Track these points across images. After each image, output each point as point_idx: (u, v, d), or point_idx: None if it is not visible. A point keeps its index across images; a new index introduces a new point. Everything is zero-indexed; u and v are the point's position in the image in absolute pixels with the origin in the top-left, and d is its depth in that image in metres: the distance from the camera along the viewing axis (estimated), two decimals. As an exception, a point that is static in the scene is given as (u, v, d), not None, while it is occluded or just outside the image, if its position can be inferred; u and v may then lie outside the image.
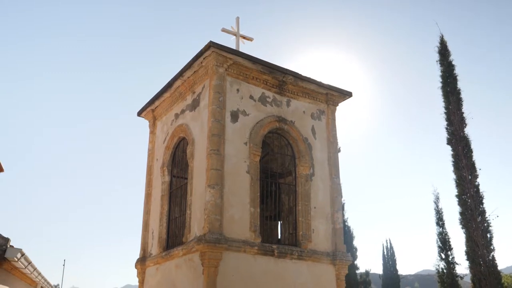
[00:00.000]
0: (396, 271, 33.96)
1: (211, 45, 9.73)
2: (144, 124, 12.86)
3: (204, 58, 10.03)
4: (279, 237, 11.64)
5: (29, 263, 9.77)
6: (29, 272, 10.62)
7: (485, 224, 17.50)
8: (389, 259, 34.75)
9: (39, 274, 11.74)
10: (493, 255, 17.26)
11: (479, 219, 17.60)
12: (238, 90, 10.24)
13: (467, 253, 17.70)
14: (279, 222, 11.77)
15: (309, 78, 11.02)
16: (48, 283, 14.85)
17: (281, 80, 10.75)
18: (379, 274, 35.00)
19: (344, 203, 21.85)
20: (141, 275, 11.20)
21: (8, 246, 8.38)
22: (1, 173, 20.74)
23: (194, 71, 10.49)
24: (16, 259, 8.66)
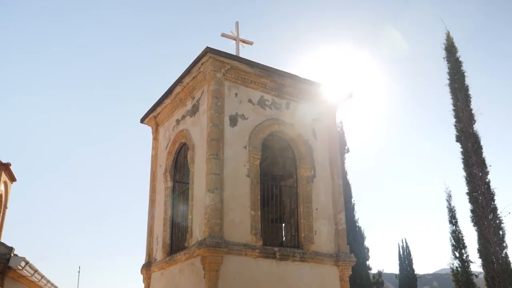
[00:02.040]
0: (413, 270, 33.63)
1: (208, 50, 9.82)
2: (148, 130, 12.99)
3: (201, 64, 10.13)
4: (283, 240, 11.66)
5: (35, 271, 9.93)
6: (37, 280, 10.80)
7: (497, 221, 17.28)
8: (405, 259, 34.45)
9: (48, 281, 11.92)
10: (506, 253, 17.03)
11: (490, 216, 17.38)
12: (236, 94, 10.30)
13: (479, 251, 17.50)
14: (283, 225, 11.78)
15: (307, 80, 11.05)
16: (59, 290, 15.03)
17: (280, 83, 10.78)
18: (396, 274, 34.73)
19: (354, 204, 21.72)
20: (147, 281, 11.30)
21: (12, 255, 8.53)
22: (14, 182, 21.15)
23: (193, 77, 10.59)
24: (21, 268, 8.81)
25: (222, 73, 10.10)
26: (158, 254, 11.11)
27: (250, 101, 10.45)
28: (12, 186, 20.77)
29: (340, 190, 10.96)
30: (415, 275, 33.84)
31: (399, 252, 34.47)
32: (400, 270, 33.87)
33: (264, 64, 10.54)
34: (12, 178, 20.35)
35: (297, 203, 10.48)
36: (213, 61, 9.94)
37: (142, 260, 11.66)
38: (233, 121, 10.05)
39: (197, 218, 9.65)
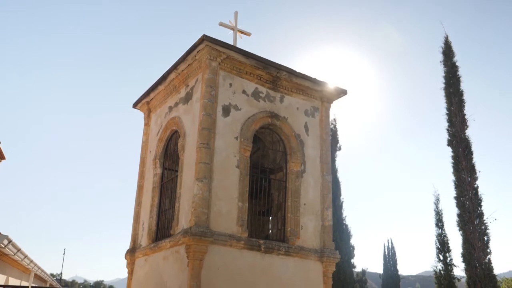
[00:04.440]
0: (397, 271, 33.97)
1: (205, 38, 9.73)
2: (140, 116, 12.92)
3: (197, 52, 10.04)
4: (269, 233, 11.65)
5: (18, 250, 9.86)
6: (20, 259, 10.73)
7: (483, 227, 17.43)
8: (390, 259, 34.77)
9: (31, 261, 11.85)
10: (489, 258, 17.21)
11: (476, 221, 17.53)
12: (230, 84, 10.24)
13: (463, 255, 17.66)
14: (270, 218, 11.77)
15: (303, 75, 11.00)
16: (42, 270, 14.98)
17: (275, 76, 10.73)
18: (380, 274, 34.99)
19: (342, 202, 21.79)
20: (130, 266, 11.27)
21: (-5, 232, 8.46)
22: (3, 160, 20.96)
23: (188, 65, 10.51)
24: (3, 246, 8.75)
25: (218, 62, 10.02)
26: (143, 240, 11.08)
27: (244, 92, 10.39)
28: (1, 164, 20.59)
29: (329, 186, 10.96)
30: (398, 275, 34.13)
31: (384, 252, 34.77)
32: (384, 270, 34.18)
33: (261, 56, 10.49)
34: (1, 156, 20.17)
35: (285, 197, 10.46)
36: (209, 50, 9.85)
37: (127, 245, 11.62)
38: (226, 111, 10.00)
39: (184, 206, 9.61)
